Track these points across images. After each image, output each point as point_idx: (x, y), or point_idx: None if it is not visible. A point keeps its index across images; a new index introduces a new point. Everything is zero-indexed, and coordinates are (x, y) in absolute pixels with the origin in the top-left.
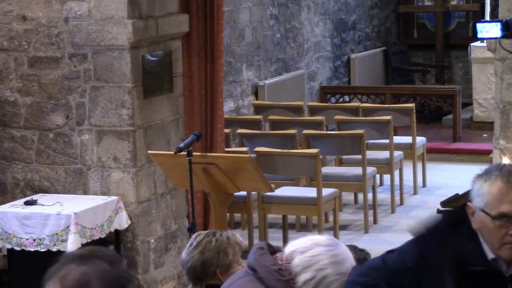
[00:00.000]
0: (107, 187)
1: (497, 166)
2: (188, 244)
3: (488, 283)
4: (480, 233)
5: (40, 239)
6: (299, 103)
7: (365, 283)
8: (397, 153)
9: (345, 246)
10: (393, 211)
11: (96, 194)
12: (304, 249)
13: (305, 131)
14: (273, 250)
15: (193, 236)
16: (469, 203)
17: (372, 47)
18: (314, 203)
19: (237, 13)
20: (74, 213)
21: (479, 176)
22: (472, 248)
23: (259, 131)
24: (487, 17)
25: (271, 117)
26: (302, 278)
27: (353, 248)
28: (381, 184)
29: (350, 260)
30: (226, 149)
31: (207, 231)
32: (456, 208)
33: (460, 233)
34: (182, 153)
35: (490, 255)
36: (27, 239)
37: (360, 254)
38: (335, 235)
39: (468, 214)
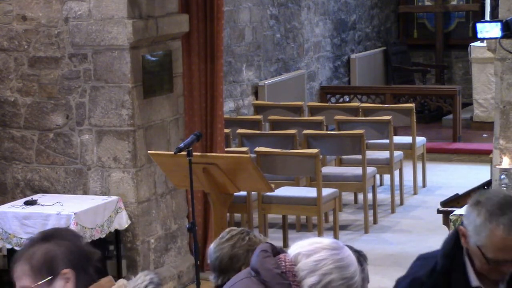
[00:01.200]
0: (107, 187)
1: (501, 203)
2: (220, 237)
3: None
4: (469, 253)
5: None
6: (299, 103)
7: None
8: (397, 153)
9: (349, 250)
10: (393, 211)
11: (96, 194)
12: (309, 252)
13: (305, 131)
14: (277, 251)
15: (226, 230)
16: (462, 227)
17: (372, 47)
18: (314, 203)
19: (237, 13)
20: (74, 213)
21: (479, 205)
22: (458, 277)
23: (259, 131)
24: (487, 17)
25: (271, 117)
26: (307, 282)
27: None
28: (381, 184)
29: (354, 264)
30: (226, 149)
31: (241, 229)
32: (452, 235)
33: (450, 259)
34: (182, 153)
35: (474, 283)
36: (27, 239)
37: (355, 255)
38: (335, 235)
39: (459, 234)
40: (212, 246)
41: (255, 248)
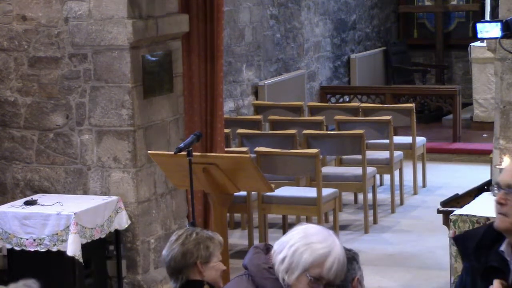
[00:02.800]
0: (107, 187)
1: None
2: (169, 241)
3: (492, 276)
4: None
5: (40, 239)
6: (299, 103)
7: None
8: (397, 153)
9: (324, 228)
10: (393, 211)
11: (96, 194)
12: (282, 238)
13: (305, 131)
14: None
15: (173, 234)
16: None
17: (372, 47)
18: (314, 203)
19: (237, 13)
20: (74, 213)
21: None
22: (488, 239)
23: (259, 131)
24: (487, 17)
25: (271, 117)
26: (277, 259)
27: None
28: (381, 184)
29: (322, 234)
30: (226, 149)
31: (186, 228)
32: None
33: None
34: (182, 153)
35: (502, 247)
36: (27, 239)
37: (348, 254)
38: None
39: None
40: (163, 252)
41: (204, 240)
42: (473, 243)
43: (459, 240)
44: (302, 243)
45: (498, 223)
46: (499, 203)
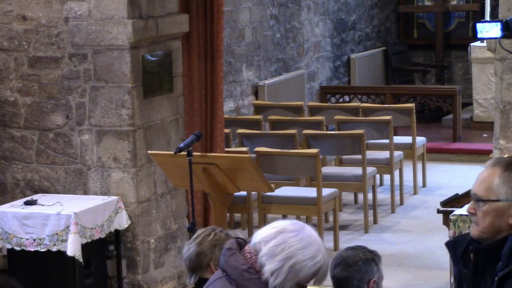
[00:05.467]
0: (107, 187)
1: None
2: (191, 238)
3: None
4: None
5: (40, 239)
6: (299, 103)
7: None
8: (397, 153)
9: (310, 228)
10: (393, 211)
11: (96, 194)
12: (267, 238)
13: (305, 131)
14: (245, 243)
15: (198, 230)
16: None
17: (372, 47)
18: (314, 203)
19: (237, 13)
20: (74, 213)
21: None
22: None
23: (259, 131)
24: (487, 17)
25: (271, 117)
26: (268, 268)
27: (362, 249)
28: (381, 184)
29: (317, 243)
30: (226, 149)
31: (209, 227)
32: None
33: None
34: (182, 153)
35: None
36: (27, 239)
37: (368, 255)
38: (335, 235)
39: None
40: (184, 248)
41: (220, 242)
42: (461, 249)
43: (450, 245)
44: (301, 257)
45: (471, 231)
46: (469, 213)
